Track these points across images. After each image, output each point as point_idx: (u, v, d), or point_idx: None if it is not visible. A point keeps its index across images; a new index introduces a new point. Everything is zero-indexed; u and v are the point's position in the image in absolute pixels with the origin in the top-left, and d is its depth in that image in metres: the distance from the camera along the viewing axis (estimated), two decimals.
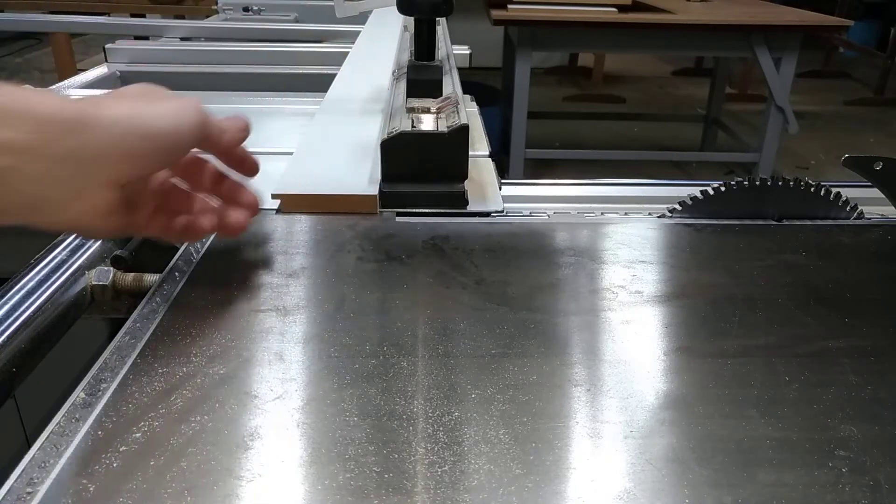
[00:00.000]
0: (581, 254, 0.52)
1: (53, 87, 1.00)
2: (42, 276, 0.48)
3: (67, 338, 0.47)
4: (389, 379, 0.37)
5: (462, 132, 0.57)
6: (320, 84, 0.89)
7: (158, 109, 0.39)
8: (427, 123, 0.60)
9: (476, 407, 0.35)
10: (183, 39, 1.41)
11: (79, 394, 0.36)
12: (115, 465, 0.31)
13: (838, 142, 3.66)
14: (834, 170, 3.11)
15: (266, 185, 0.59)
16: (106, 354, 0.39)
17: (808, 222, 0.58)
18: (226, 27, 1.48)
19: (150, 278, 0.49)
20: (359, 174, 0.61)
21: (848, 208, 0.59)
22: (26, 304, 0.45)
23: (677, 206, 0.58)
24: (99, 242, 0.53)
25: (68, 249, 0.51)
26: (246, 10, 1.70)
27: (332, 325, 0.42)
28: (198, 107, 0.42)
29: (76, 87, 1.03)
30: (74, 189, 0.36)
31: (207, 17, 1.75)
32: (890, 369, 0.39)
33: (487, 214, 0.58)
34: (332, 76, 0.92)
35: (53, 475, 0.30)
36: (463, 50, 1.23)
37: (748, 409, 0.36)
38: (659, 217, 0.58)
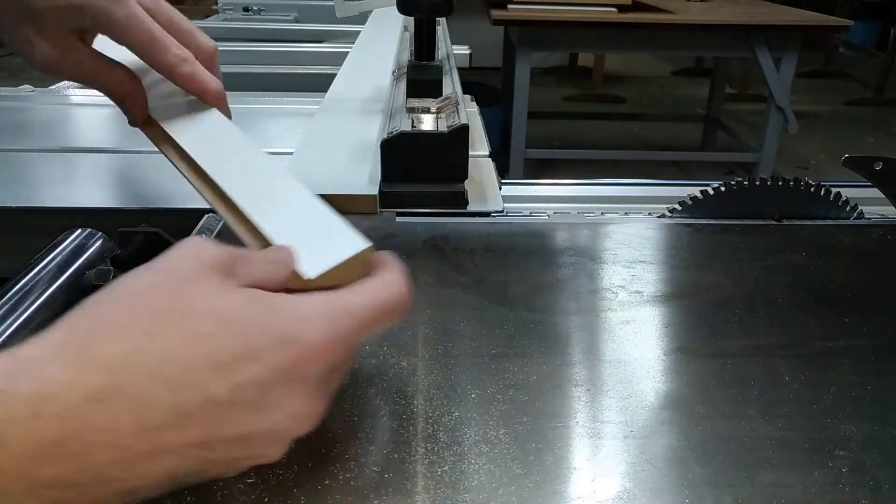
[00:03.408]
0: (581, 254, 0.52)
1: (54, 86, 1.00)
2: (42, 276, 0.48)
3: None
4: (389, 379, 0.37)
5: (462, 132, 0.57)
6: (320, 84, 0.89)
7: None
8: (427, 123, 0.60)
9: (476, 407, 0.35)
10: None
11: None
12: None
13: (838, 142, 3.66)
14: (834, 170, 3.11)
15: None
16: None
17: (808, 222, 0.58)
18: (226, 27, 1.48)
19: None
20: (359, 174, 0.61)
21: (848, 208, 0.59)
22: (26, 304, 0.45)
23: (677, 206, 0.58)
24: (99, 242, 0.53)
25: (68, 249, 0.51)
26: (246, 10, 1.70)
27: None
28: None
29: (76, 87, 1.03)
30: None
31: (207, 17, 1.75)
32: (890, 369, 0.39)
33: (487, 214, 0.58)
34: (332, 76, 0.92)
35: None
36: (463, 50, 1.23)
37: (748, 409, 0.36)
38: (659, 217, 0.58)
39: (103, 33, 0.44)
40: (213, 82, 0.45)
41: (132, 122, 0.47)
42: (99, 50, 0.45)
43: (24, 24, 0.42)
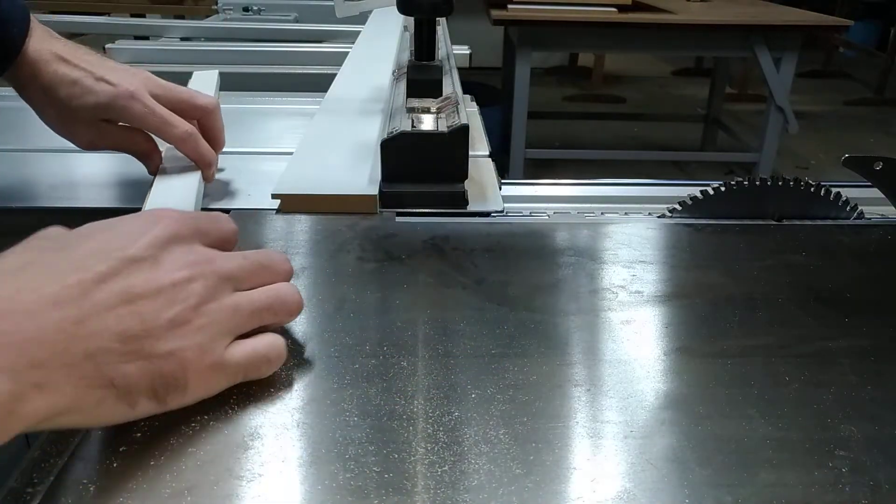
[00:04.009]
0: (581, 254, 0.52)
1: None
2: None
3: None
4: (389, 379, 0.37)
5: (462, 132, 0.57)
6: (320, 84, 0.89)
7: None
8: (427, 123, 0.60)
9: (476, 407, 0.35)
10: (183, 39, 1.41)
11: None
12: (115, 465, 0.31)
13: (838, 142, 3.66)
14: (834, 170, 3.11)
15: (266, 185, 0.59)
16: None
17: (808, 222, 0.58)
18: (226, 27, 1.48)
19: None
20: (359, 174, 0.61)
21: (848, 208, 0.59)
22: None
23: (677, 206, 0.58)
24: None
25: None
26: (246, 10, 1.70)
27: (332, 325, 0.42)
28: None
29: None
30: None
31: (207, 17, 1.75)
32: (890, 369, 0.39)
33: (487, 214, 0.58)
34: (332, 76, 0.92)
35: (53, 475, 0.30)
36: (463, 50, 1.23)
37: (748, 409, 0.36)
38: (659, 217, 0.58)
39: (126, 122, 0.57)
40: (207, 153, 0.58)
41: (149, 172, 0.60)
42: (193, 89, 0.61)
43: (66, 119, 0.56)
